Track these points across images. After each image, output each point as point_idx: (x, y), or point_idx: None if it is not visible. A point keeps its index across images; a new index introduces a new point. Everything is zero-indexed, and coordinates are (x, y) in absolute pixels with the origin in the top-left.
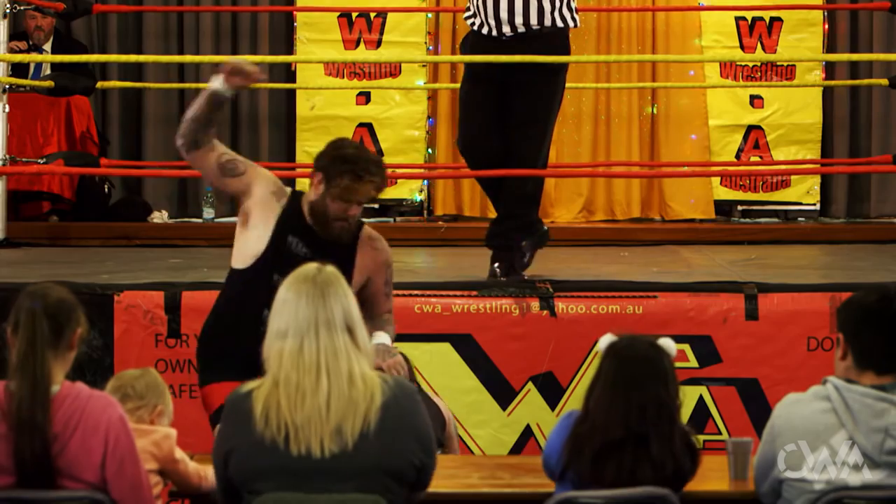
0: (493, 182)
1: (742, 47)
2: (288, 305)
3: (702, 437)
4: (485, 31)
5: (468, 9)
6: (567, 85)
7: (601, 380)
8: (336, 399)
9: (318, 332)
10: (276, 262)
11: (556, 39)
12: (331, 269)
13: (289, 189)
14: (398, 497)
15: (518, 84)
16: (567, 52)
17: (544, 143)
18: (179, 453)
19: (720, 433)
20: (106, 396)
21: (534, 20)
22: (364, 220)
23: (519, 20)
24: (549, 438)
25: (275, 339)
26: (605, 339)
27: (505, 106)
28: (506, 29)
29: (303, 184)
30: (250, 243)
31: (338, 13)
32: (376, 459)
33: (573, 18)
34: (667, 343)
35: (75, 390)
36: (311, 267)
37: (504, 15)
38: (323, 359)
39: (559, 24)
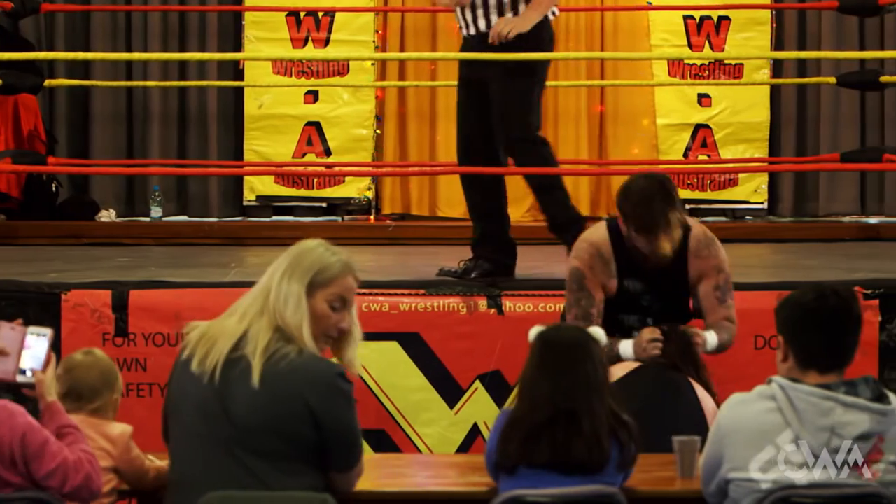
0: (476, 183)
1: (690, 46)
2: None
3: None
4: (463, 32)
5: None
6: None
7: (530, 365)
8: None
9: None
10: (618, 303)
11: (518, 39)
12: None
13: (602, 235)
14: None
15: (489, 86)
16: (538, 49)
17: (530, 137)
18: (136, 450)
19: None
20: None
21: (492, 20)
22: (306, 219)
23: (482, 22)
24: (489, 438)
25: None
26: (535, 330)
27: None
28: (471, 30)
29: (250, 181)
30: None
31: (286, 12)
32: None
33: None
34: (596, 331)
35: None
36: None
37: (469, 16)
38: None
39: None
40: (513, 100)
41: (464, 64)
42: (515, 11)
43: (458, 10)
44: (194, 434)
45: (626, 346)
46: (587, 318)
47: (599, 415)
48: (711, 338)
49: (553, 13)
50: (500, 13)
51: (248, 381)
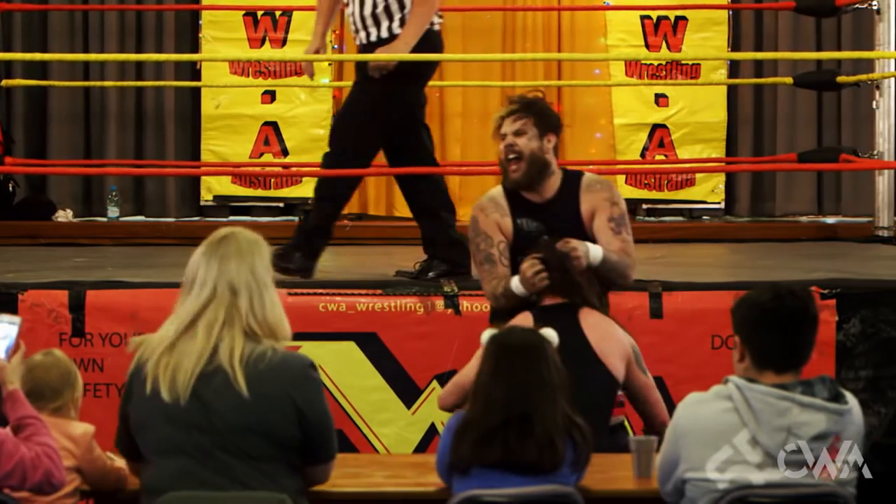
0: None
1: (647, 46)
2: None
3: None
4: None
5: None
6: (473, 83)
7: (483, 369)
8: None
9: None
10: (518, 246)
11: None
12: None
13: (497, 187)
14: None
15: None
16: (417, 65)
17: (342, 148)
18: (98, 450)
19: (625, 432)
20: None
21: (373, 35)
22: (263, 219)
23: (363, 35)
24: (441, 440)
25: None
26: (487, 334)
27: None
28: (356, 41)
29: (207, 182)
30: None
31: (243, 12)
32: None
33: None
34: (548, 332)
35: None
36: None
37: (352, 28)
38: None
39: (385, 34)
40: (348, 103)
41: None
42: (391, 20)
43: (349, 20)
44: (172, 444)
45: (516, 283)
46: (489, 260)
47: (553, 417)
48: (595, 250)
49: (436, 23)
50: (377, 24)
51: (233, 391)
